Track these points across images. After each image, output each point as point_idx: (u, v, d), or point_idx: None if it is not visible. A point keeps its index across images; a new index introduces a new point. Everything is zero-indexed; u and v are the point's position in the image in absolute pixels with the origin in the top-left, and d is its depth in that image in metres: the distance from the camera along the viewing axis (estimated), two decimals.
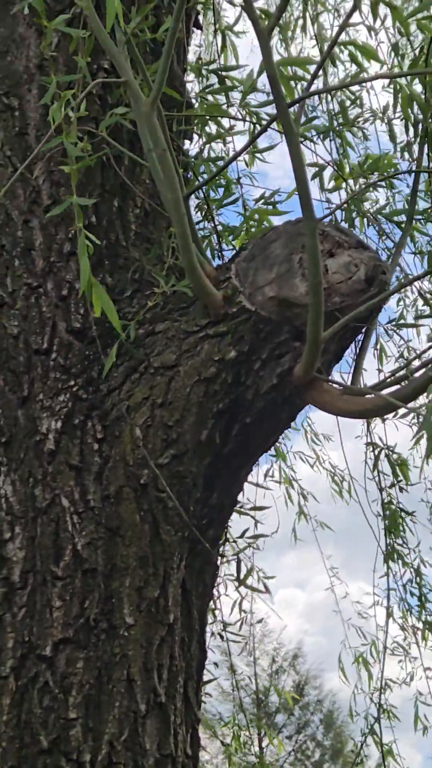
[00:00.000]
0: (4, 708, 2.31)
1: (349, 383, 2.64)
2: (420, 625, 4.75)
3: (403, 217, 3.08)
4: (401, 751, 4.67)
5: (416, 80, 2.92)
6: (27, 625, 2.37)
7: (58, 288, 2.69)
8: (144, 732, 2.36)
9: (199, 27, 3.53)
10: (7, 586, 2.40)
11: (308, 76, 2.50)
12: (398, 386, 2.47)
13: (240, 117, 3.02)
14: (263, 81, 3.05)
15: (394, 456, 4.28)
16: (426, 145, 2.88)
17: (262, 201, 2.97)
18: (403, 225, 3.07)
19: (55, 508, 2.46)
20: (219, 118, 3.13)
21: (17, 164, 2.81)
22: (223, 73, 3.17)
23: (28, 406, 2.56)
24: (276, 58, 2.15)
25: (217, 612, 4.17)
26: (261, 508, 3.52)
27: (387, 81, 3.02)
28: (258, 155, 3.31)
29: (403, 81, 2.88)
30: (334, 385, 2.50)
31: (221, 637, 4.01)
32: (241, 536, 3.37)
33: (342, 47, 2.85)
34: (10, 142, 2.86)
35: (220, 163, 3.29)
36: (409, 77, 2.87)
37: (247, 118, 2.97)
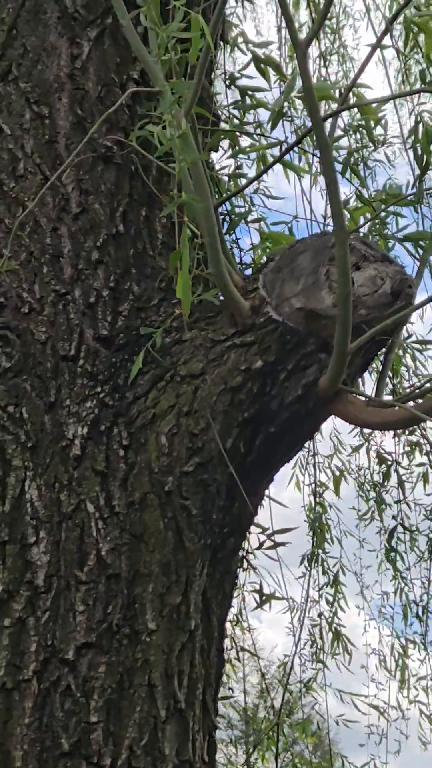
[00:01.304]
0: (26, 711, 2.32)
1: (373, 395, 2.66)
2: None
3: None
4: None
5: None
6: (50, 629, 2.39)
7: (85, 295, 2.72)
8: (163, 737, 2.37)
9: (226, 41, 3.56)
10: (31, 589, 2.41)
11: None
12: (422, 399, 2.49)
13: (265, 134, 3.04)
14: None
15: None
16: None
17: (282, 225, 2.98)
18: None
19: (80, 513, 2.47)
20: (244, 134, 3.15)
21: (46, 172, 2.84)
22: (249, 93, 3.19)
23: (55, 412, 2.58)
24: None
25: None
26: (285, 531, 3.47)
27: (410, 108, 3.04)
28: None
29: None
30: (359, 397, 2.52)
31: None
32: (260, 548, 3.37)
33: None
34: (39, 150, 2.89)
35: (242, 181, 3.31)
36: None
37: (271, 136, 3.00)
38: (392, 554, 4.63)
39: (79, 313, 2.69)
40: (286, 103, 2.63)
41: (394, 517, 4.56)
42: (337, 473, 4.60)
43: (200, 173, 2.37)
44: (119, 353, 2.65)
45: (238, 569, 2.88)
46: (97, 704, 2.33)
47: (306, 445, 4.35)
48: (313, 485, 4.63)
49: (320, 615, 4.81)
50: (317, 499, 4.59)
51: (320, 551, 4.64)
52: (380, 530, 4.72)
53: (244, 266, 3.30)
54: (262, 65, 2.96)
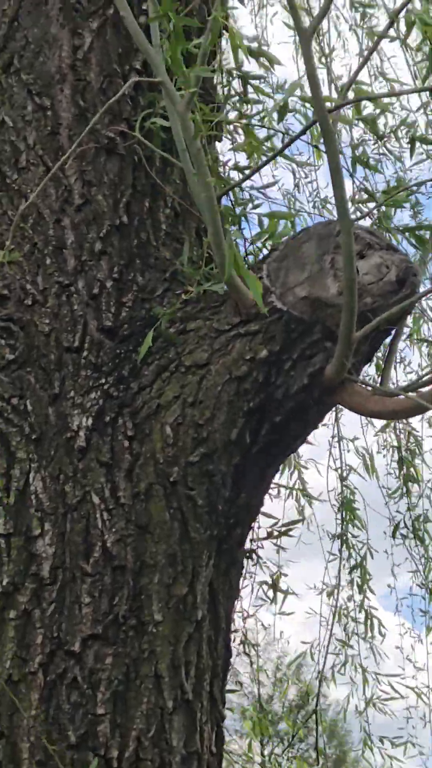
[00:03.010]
0: (33, 703, 2.32)
1: (378, 384, 2.65)
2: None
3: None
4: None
5: None
6: (56, 621, 2.38)
7: (89, 287, 2.71)
8: (171, 729, 2.36)
9: (228, 29, 3.54)
10: (36, 582, 2.41)
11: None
12: (428, 388, 2.47)
13: (267, 126, 3.02)
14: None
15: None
16: None
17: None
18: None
19: (85, 505, 2.47)
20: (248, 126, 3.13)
21: (49, 163, 2.83)
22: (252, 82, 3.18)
23: (59, 404, 2.58)
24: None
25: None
26: (293, 523, 3.46)
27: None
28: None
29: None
30: (364, 386, 2.51)
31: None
32: (267, 537, 3.36)
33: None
34: (41, 142, 2.88)
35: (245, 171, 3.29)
36: None
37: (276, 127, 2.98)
38: (420, 532, 4.61)
39: (82, 305, 2.68)
40: (293, 97, 2.61)
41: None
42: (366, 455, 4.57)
43: (203, 163, 2.36)
44: (123, 344, 2.64)
45: (245, 560, 2.87)
46: (103, 696, 2.32)
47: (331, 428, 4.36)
48: (341, 469, 4.60)
49: (350, 598, 4.77)
50: (343, 483, 4.56)
51: (349, 534, 4.60)
52: (408, 507, 4.69)
53: (248, 256, 3.28)
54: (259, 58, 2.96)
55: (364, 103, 2.64)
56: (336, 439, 4.67)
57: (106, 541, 2.43)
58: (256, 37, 3.10)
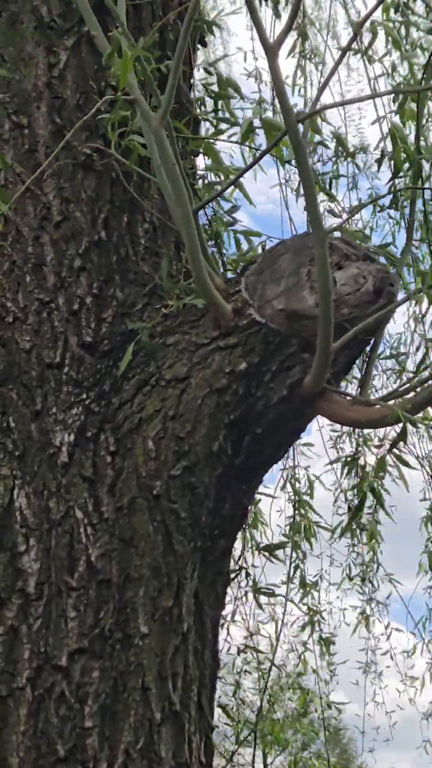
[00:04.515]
0: (21, 718, 2.33)
1: (357, 394, 2.67)
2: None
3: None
4: None
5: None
6: (43, 636, 2.40)
7: (69, 303, 2.73)
8: (159, 740, 2.38)
9: (204, 44, 3.57)
10: (22, 597, 2.42)
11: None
12: (406, 396, 2.50)
13: (239, 141, 3.04)
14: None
15: None
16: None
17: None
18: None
19: (69, 520, 2.49)
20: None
21: (27, 181, 2.85)
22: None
23: (41, 420, 2.60)
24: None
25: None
26: (279, 547, 3.48)
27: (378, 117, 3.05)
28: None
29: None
30: (343, 396, 2.53)
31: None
32: (257, 548, 3.38)
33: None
34: (19, 160, 2.90)
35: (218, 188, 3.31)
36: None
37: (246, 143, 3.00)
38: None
39: (63, 321, 2.70)
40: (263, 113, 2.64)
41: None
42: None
43: (178, 179, 2.38)
44: (104, 359, 2.66)
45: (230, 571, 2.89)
46: (91, 709, 2.34)
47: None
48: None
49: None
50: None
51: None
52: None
53: (226, 270, 3.30)
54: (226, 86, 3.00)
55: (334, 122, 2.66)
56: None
57: (91, 556, 2.45)
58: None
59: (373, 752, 5.47)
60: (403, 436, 2.32)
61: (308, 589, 4.43)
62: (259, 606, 3.87)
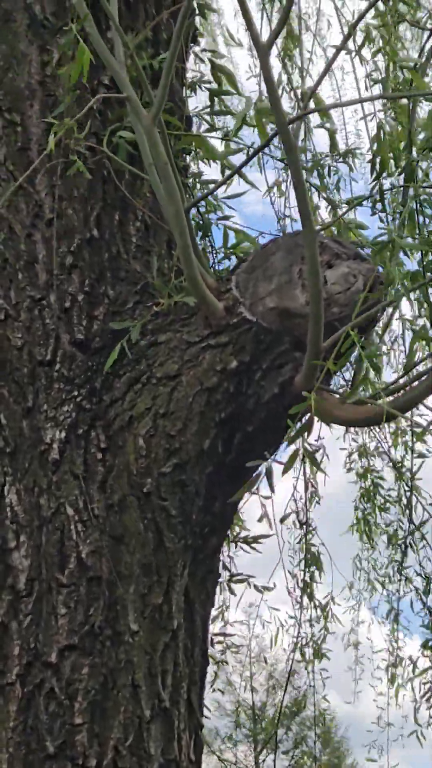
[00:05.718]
0: (11, 714, 2.34)
1: (347, 392, 2.67)
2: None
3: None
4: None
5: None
6: (33, 633, 2.40)
7: (60, 300, 2.73)
8: (149, 737, 2.39)
9: (198, 43, 3.57)
10: (12, 594, 2.43)
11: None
12: (396, 395, 2.51)
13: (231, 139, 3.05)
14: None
15: None
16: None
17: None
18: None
19: (59, 517, 2.49)
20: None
21: (20, 179, 2.85)
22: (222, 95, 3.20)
23: (33, 417, 2.60)
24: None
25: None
26: (262, 537, 3.47)
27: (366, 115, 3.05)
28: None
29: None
30: (334, 395, 2.54)
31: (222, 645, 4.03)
32: (236, 539, 3.39)
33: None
34: (12, 158, 2.90)
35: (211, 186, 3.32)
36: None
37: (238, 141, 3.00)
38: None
39: (54, 318, 2.71)
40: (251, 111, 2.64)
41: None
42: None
43: (170, 177, 2.38)
44: (95, 357, 2.66)
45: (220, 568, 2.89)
46: (81, 706, 2.35)
47: None
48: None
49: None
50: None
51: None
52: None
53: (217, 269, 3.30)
54: (219, 73, 3.00)
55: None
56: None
57: (81, 553, 2.46)
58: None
59: (366, 750, 5.46)
60: None
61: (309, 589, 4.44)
62: (231, 592, 3.86)
